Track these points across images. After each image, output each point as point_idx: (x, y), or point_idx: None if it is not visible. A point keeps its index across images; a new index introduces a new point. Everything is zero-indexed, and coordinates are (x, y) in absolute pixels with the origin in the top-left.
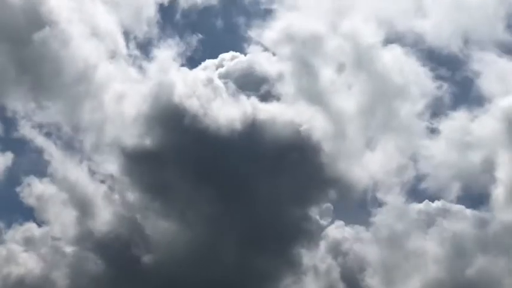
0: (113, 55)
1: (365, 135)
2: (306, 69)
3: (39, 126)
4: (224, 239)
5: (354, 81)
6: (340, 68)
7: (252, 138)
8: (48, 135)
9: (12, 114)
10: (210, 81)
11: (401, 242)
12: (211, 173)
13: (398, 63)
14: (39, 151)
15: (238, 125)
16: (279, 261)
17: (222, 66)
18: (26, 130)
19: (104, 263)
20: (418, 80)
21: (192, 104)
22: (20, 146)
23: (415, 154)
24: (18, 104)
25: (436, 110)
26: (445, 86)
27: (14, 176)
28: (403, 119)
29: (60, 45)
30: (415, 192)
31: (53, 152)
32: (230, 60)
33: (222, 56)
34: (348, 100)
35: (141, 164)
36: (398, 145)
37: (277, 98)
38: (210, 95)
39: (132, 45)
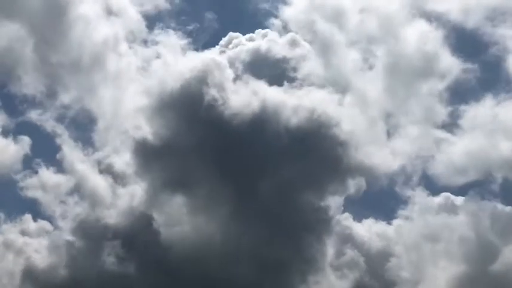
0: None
1: (386, 121)
2: (327, 49)
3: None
4: (240, 229)
5: (375, 61)
6: (364, 49)
7: (268, 125)
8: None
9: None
10: (224, 64)
11: (424, 234)
12: (225, 162)
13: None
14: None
15: (252, 111)
16: (297, 253)
17: (236, 46)
18: (37, 115)
19: (112, 257)
20: (442, 59)
21: (205, 90)
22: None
23: (438, 141)
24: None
25: (461, 93)
26: (471, 66)
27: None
28: (426, 102)
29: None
30: (437, 183)
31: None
32: (245, 41)
33: (235, 36)
34: (370, 82)
35: (150, 152)
36: (420, 133)
37: (294, 81)
38: (223, 79)
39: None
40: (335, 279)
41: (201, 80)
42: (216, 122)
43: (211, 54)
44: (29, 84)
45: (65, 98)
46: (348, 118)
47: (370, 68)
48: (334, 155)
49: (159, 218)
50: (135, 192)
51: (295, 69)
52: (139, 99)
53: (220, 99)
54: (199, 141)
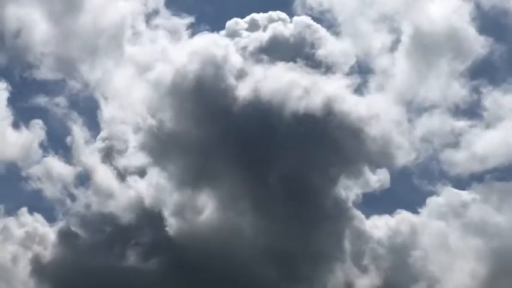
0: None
1: (406, 107)
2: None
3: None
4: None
5: (397, 41)
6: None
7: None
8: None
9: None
10: (238, 47)
11: (447, 226)
12: (241, 148)
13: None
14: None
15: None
16: (314, 245)
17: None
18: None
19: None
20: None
21: (219, 74)
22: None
23: (462, 128)
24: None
25: (488, 75)
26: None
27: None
28: (450, 85)
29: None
30: (461, 172)
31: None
32: (267, 23)
33: (251, 17)
34: (391, 64)
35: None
36: (441, 121)
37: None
38: (237, 62)
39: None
40: (356, 272)
41: (215, 64)
42: (229, 109)
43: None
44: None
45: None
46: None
47: (393, 49)
48: (352, 144)
49: (167, 211)
50: (145, 184)
51: (312, 53)
52: (151, 85)
53: (235, 84)
54: (212, 130)
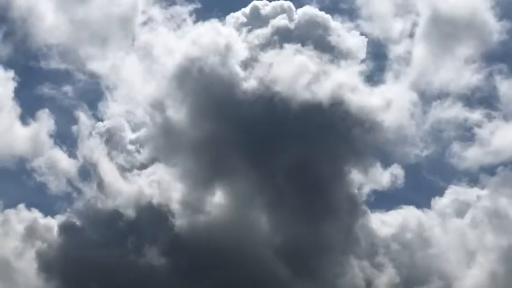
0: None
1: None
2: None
3: None
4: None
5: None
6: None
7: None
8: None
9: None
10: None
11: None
12: (251, 142)
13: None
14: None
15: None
16: (325, 240)
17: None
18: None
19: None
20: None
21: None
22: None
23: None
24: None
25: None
26: None
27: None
28: (465, 74)
29: None
30: (474, 165)
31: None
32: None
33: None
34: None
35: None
36: (456, 111)
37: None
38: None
39: None
40: (370, 268)
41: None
42: (239, 98)
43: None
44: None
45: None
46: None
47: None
48: (364, 137)
49: (174, 206)
50: (150, 179)
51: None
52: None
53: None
54: (219, 122)
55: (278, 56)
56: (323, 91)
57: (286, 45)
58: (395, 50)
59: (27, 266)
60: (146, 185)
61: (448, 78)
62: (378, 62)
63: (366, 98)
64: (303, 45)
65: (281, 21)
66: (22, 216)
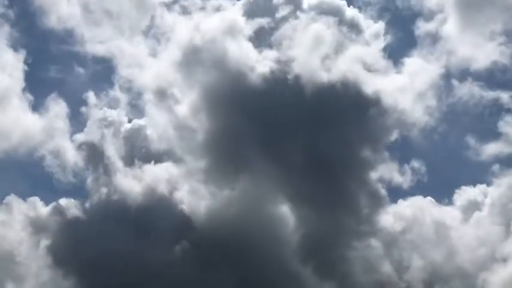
0: None
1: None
2: None
3: None
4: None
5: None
6: None
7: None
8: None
9: None
10: None
11: None
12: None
13: None
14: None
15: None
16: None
17: None
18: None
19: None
20: None
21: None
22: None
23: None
24: None
25: None
26: None
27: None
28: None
29: None
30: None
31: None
32: None
33: None
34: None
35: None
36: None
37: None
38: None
39: None
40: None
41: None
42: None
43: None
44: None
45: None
46: None
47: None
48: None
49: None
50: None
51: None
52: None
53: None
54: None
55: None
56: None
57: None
58: (423, 26)
59: (35, 256)
60: (158, 175)
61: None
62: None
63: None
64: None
65: None
66: (27, 206)
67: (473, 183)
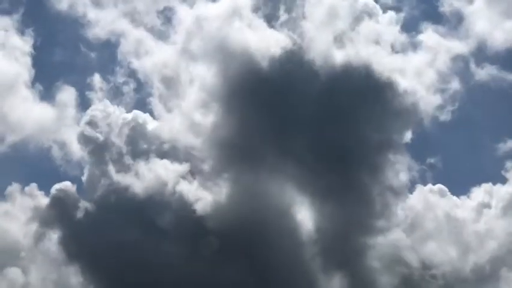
0: None
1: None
2: None
3: None
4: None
5: None
6: None
7: None
8: None
9: None
10: None
11: None
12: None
13: None
14: None
15: None
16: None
17: None
18: None
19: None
20: None
21: None
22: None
23: None
24: None
25: None
26: None
27: None
28: None
29: None
30: None
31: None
32: None
33: None
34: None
35: None
36: None
37: None
38: None
39: None
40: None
41: None
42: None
43: None
44: None
45: None
46: None
47: None
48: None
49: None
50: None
51: None
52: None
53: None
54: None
55: None
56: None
57: None
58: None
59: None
60: (164, 168)
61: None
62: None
63: None
64: None
65: None
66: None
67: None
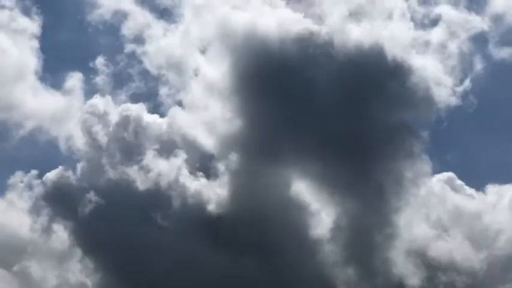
0: None
1: None
2: None
3: None
4: None
5: None
6: None
7: None
8: None
9: None
10: None
11: None
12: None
13: None
14: None
15: None
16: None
17: None
18: None
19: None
20: None
21: None
22: None
23: None
24: None
25: None
26: None
27: None
28: None
29: None
30: None
31: None
32: None
33: None
34: None
35: None
36: None
37: None
38: None
39: None
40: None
41: None
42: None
43: None
44: None
45: None
46: None
47: None
48: None
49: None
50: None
51: None
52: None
53: None
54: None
55: None
56: None
57: None
58: None
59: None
60: (175, 163)
61: None
62: None
63: None
64: None
65: None
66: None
67: None
